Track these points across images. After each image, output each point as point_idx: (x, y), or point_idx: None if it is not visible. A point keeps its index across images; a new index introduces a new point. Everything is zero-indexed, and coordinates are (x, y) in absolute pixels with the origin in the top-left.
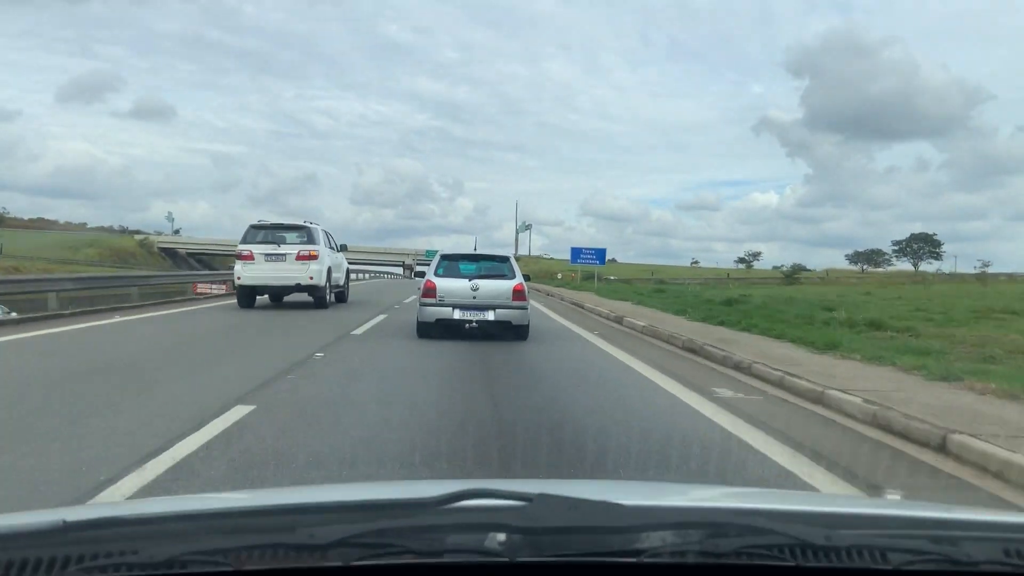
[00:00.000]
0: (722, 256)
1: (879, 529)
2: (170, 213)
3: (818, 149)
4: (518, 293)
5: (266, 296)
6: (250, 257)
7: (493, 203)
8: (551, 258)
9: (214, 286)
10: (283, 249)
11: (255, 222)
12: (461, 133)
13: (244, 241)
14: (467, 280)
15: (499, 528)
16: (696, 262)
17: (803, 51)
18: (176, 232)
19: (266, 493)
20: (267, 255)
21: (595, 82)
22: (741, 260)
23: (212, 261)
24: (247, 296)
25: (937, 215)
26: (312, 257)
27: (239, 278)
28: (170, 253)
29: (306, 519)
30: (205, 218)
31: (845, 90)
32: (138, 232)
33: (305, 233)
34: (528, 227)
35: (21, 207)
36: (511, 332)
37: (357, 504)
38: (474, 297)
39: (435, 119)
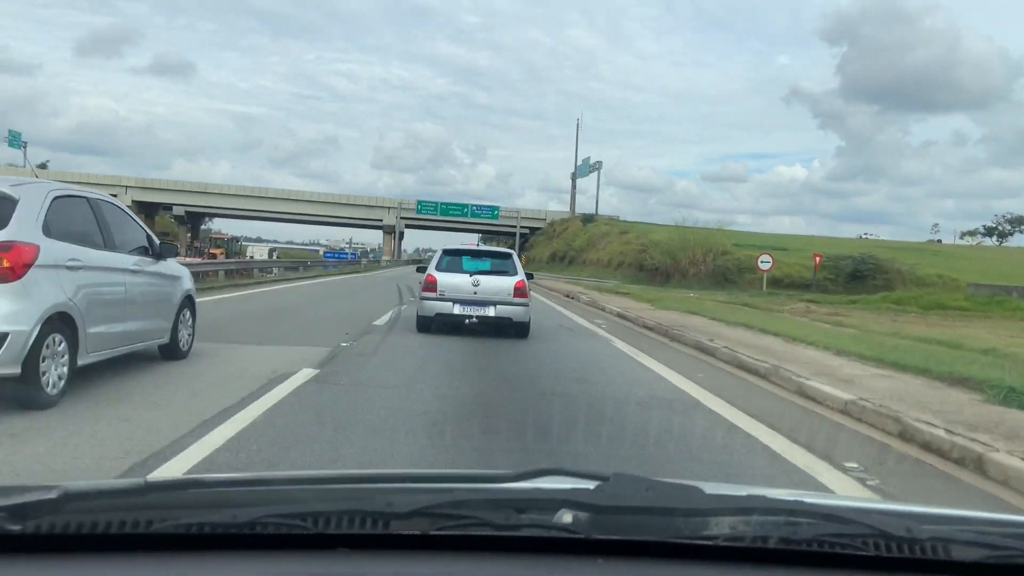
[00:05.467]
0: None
1: (958, 525)
2: (15, 133)
3: (852, 120)
4: (519, 290)
5: None
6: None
7: (515, 170)
8: (626, 221)
9: (188, 259)
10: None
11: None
12: (483, 100)
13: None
14: (468, 275)
15: (576, 506)
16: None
17: (840, 17)
18: (43, 166)
19: (347, 471)
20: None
21: (618, 50)
22: (991, 231)
23: None
24: None
25: (971, 192)
26: None
27: None
28: None
29: (385, 489)
30: (225, 180)
31: (884, 58)
32: None
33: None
34: (596, 168)
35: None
36: (511, 329)
37: (435, 476)
38: (475, 293)
39: (456, 85)
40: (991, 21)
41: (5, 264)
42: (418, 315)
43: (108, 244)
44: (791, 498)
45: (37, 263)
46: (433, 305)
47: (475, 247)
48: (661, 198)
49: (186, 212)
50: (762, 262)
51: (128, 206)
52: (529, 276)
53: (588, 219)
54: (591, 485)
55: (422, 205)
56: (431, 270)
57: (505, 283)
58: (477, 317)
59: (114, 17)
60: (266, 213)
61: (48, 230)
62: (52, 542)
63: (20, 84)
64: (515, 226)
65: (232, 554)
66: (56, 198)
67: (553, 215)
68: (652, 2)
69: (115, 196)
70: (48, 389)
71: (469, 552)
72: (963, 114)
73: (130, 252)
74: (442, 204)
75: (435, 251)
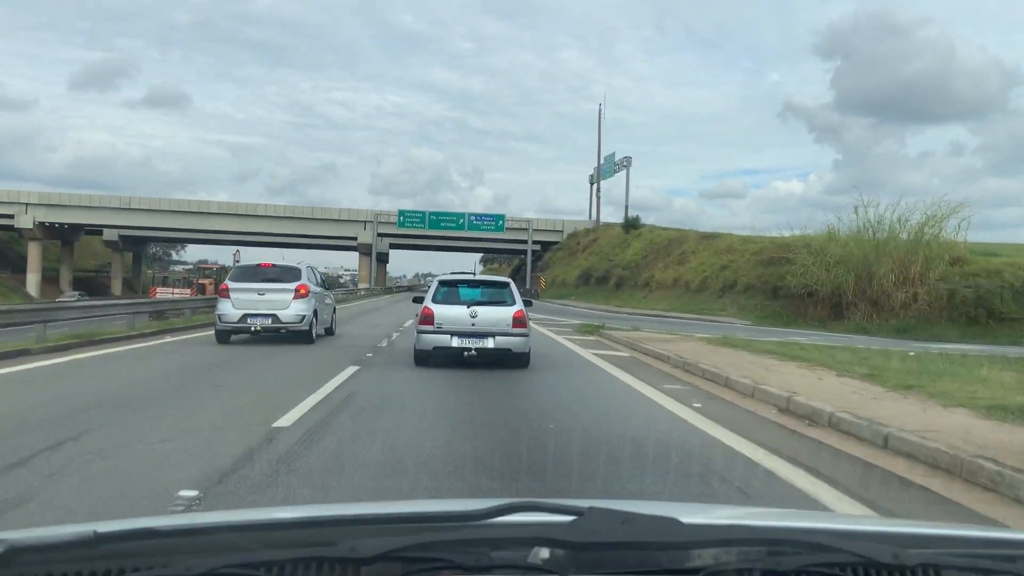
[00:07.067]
0: None
1: (944, 548)
2: None
3: (848, 133)
4: (518, 320)
5: None
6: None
7: (513, 192)
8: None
9: (176, 290)
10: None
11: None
12: (478, 124)
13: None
14: (466, 307)
15: (548, 543)
16: None
17: (833, 32)
18: None
19: (309, 508)
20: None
21: (610, 72)
22: None
23: None
24: None
25: (970, 201)
26: None
27: None
28: None
29: (348, 532)
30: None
31: (878, 71)
32: None
33: None
34: (623, 165)
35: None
36: (512, 360)
37: (401, 516)
38: (473, 324)
39: (452, 110)
40: (984, 32)
41: (303, 291)
42: (415, 349)
43: (317, 284)
44: (773, 524)
45: (310, 292)
46: (431, 339)
47: (473, 276)
48: (659, 216)
49: (120, 236)
50: None
51: (28, 229)
52: (527, 303)
53: (632, 225)
54: (566, 520)
55: (405, 216)
56: (427, 302)
57: (504, 313)
58: (476, 349)
59: (109, 52)
60: (214, 235)
61: (307, 279)
62: None
63: (16, 120)
64: (525, 240)
65: None
66: (307, 266)
67: (573, 225)
68: (644, 24)
69: (12, 217)
70: (314, 336)
71: None
72: (959, 124)
73: (318, 285)
74: (431, 215)
75: (436, 275)
